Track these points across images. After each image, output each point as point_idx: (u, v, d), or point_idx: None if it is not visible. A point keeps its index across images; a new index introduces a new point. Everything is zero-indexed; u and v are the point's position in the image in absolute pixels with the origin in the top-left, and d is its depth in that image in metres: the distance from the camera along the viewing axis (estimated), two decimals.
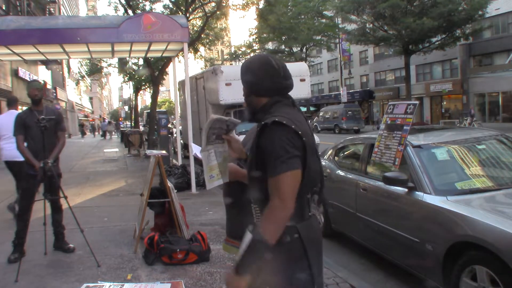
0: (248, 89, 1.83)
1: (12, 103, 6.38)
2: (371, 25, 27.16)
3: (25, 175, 4.52)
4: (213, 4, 18.21)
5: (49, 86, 28.84)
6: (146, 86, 26.99)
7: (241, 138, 2.32)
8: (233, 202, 2.24)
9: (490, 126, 22.64)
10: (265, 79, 1.76)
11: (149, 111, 20.26)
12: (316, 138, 2.04)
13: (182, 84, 13.19)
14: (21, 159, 5.08)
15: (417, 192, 3.58)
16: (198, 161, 10.37)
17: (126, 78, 27.90)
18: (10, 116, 5.66)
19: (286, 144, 1.59)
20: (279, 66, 1.79)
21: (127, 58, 19.68)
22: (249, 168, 1.77)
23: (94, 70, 28.73)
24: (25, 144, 4.53)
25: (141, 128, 26.69)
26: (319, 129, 32.69)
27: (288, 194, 1.58)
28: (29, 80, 20.98)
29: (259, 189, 1.70)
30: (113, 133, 39.83)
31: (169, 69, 16.93)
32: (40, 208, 4.44)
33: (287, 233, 1.64)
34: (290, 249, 1.67)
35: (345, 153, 5.41)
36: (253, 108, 1.83)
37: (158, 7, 37.06)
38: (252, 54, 37.29)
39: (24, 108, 5.20)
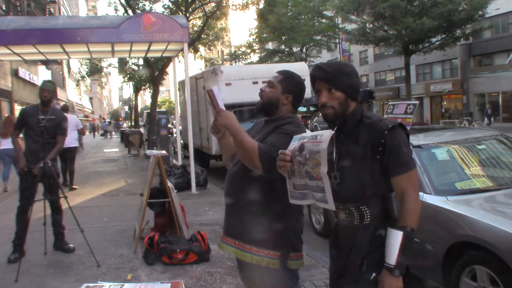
0: (349, 93, 1.81)
1: (65, 110, 8.87)
2: (371, 25, 27.14)
3: (24, 175, 4.52)
4: (213, 4, 18.21)
5: None
6: (146, 86, 26.98)
7: None
8: (233, 201, 2.23)
9: (490, 126, 22.64)
10: (359, 84, 1.91)
11: (149, 111, 20.27)
12: None
13: (182, 84, 13.19)
14: (71, 145, 8.68)
15: None
16: (198, 161, 10.38)
17: (126, 78, 27.86)
18: None
19: (408, 142, 1.78)
20: None
21: (127, 58, 19.67)
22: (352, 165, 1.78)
23: (94, 70, 28.70)
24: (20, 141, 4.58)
25: (141, 128, 26.70)
26: (319, 129, 32.68)
27: (417, 185, 1.81)
28: (29, 80, 21.00)
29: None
30: (113, 132, 40.84)
31: (169, 69, 16.94)
32: (40, 208, 4.44)
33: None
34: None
35: None
36: (341, 114, 1.81)
37: (158, 7, 37.06)
38: (252, 54, 37.23)
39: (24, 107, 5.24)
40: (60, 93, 35.01)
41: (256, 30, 35.24)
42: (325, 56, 44.08)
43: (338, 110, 1.80)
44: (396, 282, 1.67)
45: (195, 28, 19.81)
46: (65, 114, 7.07)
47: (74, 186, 9.12)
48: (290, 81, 2.18)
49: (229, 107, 10.31)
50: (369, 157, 1.74)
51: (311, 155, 1.69)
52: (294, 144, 1.80)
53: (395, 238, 1.68)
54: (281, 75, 2.20)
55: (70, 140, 8.26)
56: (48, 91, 4.53)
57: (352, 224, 1.80)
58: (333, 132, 1.68)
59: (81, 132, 9.87)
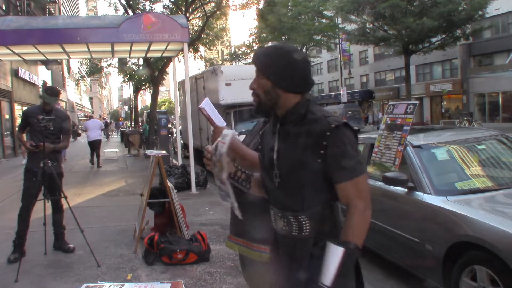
0: (278, 81, 1.56)
1: (90, 117, 14.49)
2: (371, 25, 27.13)
3: (27, 175, 4.54)
4: (213, 4, 18.22)
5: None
6: (146, 86, 27.00)
7: (241, 138, 2.29)
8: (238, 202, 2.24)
9: (490, 126, 22.63)
10: (300, 73, 1.59)
11: (149, 111, 20.30)
12: None
13: (182, 84, 13.19)
14: (97, 138, 13.42)
15: (417, 192, 3.58)
16: (199, 162, 10.38)
17: (126, 78, 27.88)
18: (93, 120, 14.17)
19: (355, 145, 1.55)
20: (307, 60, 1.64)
21: (127, 58, 19.68)
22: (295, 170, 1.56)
23: (94, 70, 28.71)
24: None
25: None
26: None
27: (368, 194, 1.56)
28: (29, 80, 20.99)
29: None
30: (114, 131, 42.92)
31: (169, 69, 16.96)
32: (40, 208, 4.44)
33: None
34: None
35: None
36: (269, 105, 1.60)
37: (158, 7, 37.05)
38: (252, 55, 37.14)
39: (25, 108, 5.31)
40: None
41: (256, 30, 35.23)
42: (325, 56, 44.12)
43: (263, 99, 1.57)
44: None
45: (195, 28, 19.82)
46: (92, 118, 10.05)
47: (100, 165, 13.29)
48: None
49: (229, 107, 10.35)
50: (310, 159, 1.51)
51: (218, 158, 1.50)
52: (217, 139, 1.60)
53: (334, 254, 1.43)
54: None
55: (97, 135, 13.33)
56: (49, 104, 4.61)
57: (290, 234, 1.60)
58: (236, 133, 1.51)
59: (103, 130, 15.17)
